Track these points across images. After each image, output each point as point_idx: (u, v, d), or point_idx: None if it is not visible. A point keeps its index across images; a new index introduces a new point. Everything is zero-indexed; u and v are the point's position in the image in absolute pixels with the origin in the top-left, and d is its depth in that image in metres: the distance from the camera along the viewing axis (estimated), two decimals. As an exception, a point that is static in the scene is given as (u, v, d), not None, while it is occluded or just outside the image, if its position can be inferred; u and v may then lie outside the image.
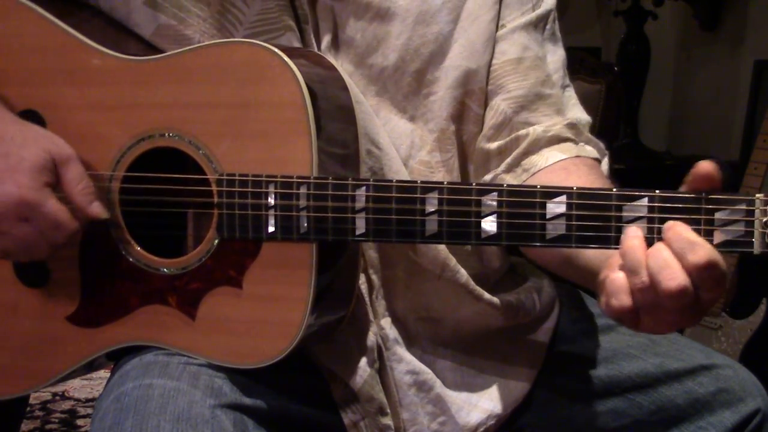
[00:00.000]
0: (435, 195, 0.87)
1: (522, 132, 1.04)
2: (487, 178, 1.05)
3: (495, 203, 0.85)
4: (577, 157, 1.04)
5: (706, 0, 3.16)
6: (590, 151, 1.06)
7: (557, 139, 1.04)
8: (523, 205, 0.84)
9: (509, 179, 1.03)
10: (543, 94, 1.06)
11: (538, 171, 1.02)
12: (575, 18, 3.61)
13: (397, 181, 0.88)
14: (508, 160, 1.04)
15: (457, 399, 1.08)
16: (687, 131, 3.39)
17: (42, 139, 0.95)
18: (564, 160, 1.03)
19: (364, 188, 0.88)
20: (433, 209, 0.87)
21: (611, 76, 2.80)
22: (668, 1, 3.14)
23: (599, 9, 3.69)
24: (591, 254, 0.91)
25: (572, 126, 1.06)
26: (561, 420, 1.11)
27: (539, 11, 1.08)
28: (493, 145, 1.05)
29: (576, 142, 1.06)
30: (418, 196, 0.87)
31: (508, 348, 1.12)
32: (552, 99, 1.07)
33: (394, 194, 0.88)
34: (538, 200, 0.84)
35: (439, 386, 1.07)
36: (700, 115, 3.32)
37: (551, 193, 0.83)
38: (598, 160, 1.07)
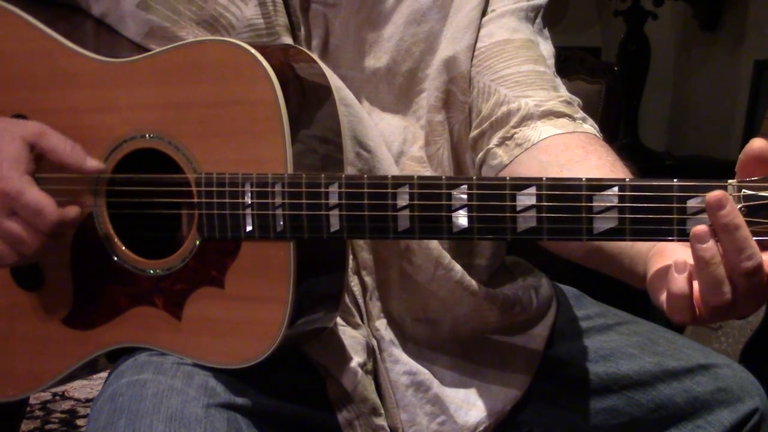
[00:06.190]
0: (406, 189, 0.85)
1: (513, 105, 1.00)
2: (480, 155, 1.02)
3: (465, 196, 0.83)
4: (583, 133, 0.99)
5: (706, 0, 3.16)
6: (588, 128, 1.02)
7: (552, 114, 1.01)
8: (493, 198, 0.82)
9: (501, 153, 1.00)
10: (537, 70, 1.03)
11: (533, 146, 0.98)
12: (575, 18, 3.61)
13: (369, 177, 0.87)
14: (500, 133, 1.00)
15: (455, 398, 1.07)
16: (687, 131, 3.39)
17: (12, 128, 0.94)
18: (574, 136, 0.98)
19: (336, 185, 0.87)
20: (404, 204, 0.85)
21: (611, 76, 2.79)
22: (668, 1, 3.14)
23: (599, 9, 3.68)
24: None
25: (567, 102, 1.03)
26: (559, 417, 1.11)
27: (532, 2, 1.06)
28: (485, 124, 1.02)
29: (573, 119, 1.02)
30: (389, 191, 0.86)
31: (505, 346, 1.11)
32: (546, 76, 1.04)
33: (366, 190, 0.87)
34: (507, 192, 0.82)
35: (437, 386, 1.07)
36: (700, 115, 3.31)
37: (521, 185, 0.82)
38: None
